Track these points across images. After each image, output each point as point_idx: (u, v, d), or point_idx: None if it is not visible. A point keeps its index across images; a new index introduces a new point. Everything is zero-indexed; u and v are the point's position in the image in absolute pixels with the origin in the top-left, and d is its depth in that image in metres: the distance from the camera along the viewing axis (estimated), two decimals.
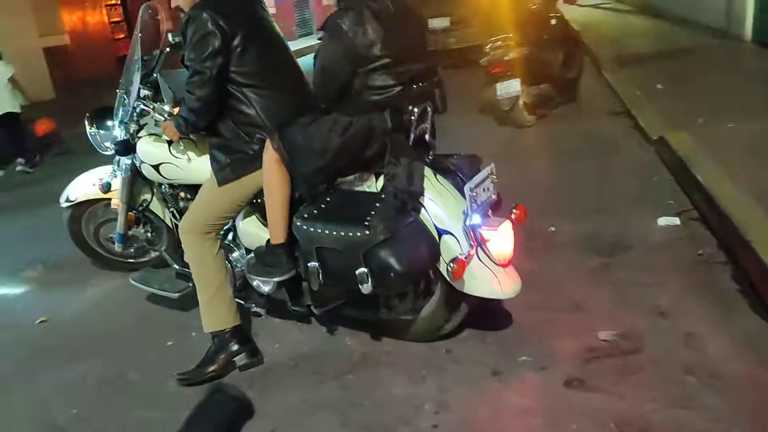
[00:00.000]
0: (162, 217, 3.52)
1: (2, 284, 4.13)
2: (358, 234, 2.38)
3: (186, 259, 2.86)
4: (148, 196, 3.47)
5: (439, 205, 2.55)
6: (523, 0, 6.63)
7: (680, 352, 2.52)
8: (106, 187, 3.45)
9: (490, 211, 2.63)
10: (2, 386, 2.85)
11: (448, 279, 2.49)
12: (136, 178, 3.34)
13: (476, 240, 2.51)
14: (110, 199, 3.58)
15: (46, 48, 11.76)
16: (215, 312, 2.76)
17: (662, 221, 3.69)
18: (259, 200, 2.78)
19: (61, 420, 2.58)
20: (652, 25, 11.06)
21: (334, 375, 2.69)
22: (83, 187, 3.75)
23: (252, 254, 2.90)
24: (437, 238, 2.52)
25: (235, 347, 2.77)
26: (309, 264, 2.55)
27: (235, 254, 3.03)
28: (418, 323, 2.78)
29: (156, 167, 3.11)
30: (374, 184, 2.66)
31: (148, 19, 3.18)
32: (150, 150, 3.13)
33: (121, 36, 14.29)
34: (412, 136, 2.59)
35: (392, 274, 2.36)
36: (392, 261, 2.36)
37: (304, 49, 17.81)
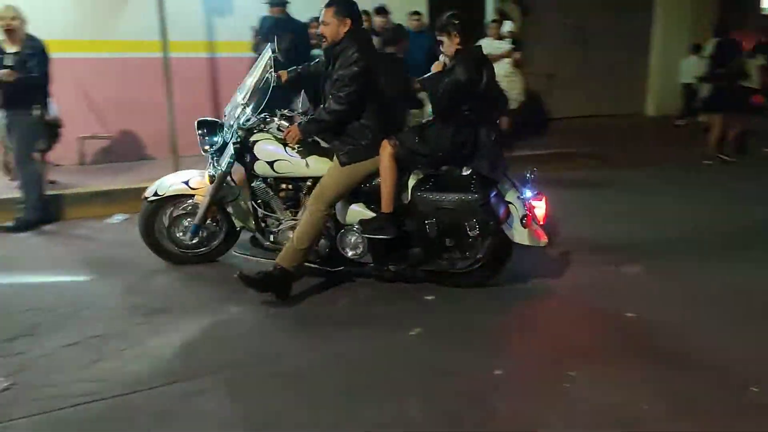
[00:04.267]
0: (232, 214, 4.35)
1: None
2: (470, 197, 3.74)
3: (303, 217, 3.90)
4: (229, 194, 4.26)
5: (504, 188, 3.96)
6: None
7: None
8: (213, 177, 4.14)
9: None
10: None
11: (521, 228, 3.85)
12: (226, 177, 4.15)
13: (528, 206, 3.88)
14: (192, 195, 4.33)
15: None
16: (293, 257, 3.84)
17: None
18: (365, 186, 3.95)
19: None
20: None
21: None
22: (172, 183, 4.39)
23: (356, 225, 4.00)
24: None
25: (282, 284, 3.85)
26: (427, 221, 3.80)
27: (330, 230, 4.08)
28: (475, 273, 4.00)
29: (271, 163, 4.04)
30: (463, 172, 3.87)
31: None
32: (268, 149, 4.06)
33: None
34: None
35: (491, 223, 3.78)
36: (491, 213, 3.76)
37: None
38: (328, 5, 3.81)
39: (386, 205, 3.85)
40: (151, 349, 3.36)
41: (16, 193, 5.57)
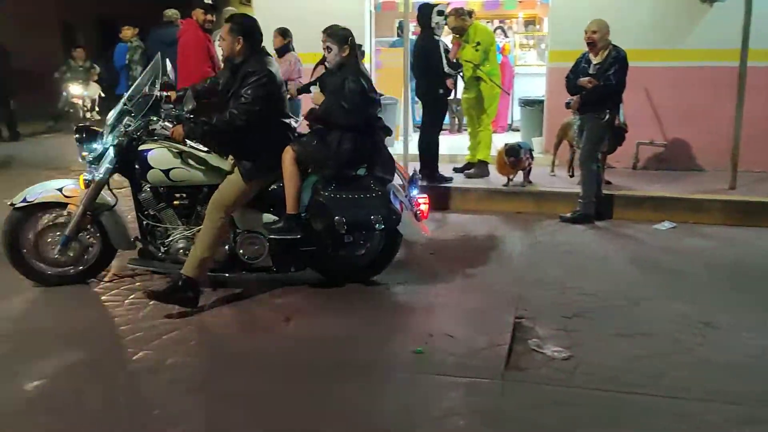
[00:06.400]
0: (104, 226, 4.18)
1: None
2: (373, 195, 4.08)
3: (204, 226, 3.93)
4: (106, 202, 4.15)
5: (395, 187, 4.33)
6: None
7: None
8: (88, 183, 4.04)
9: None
10: None
11: (415, 222, 4.33)
12: (104, 185, 4.08)
13: (415, 204, 4.35)
14: (65, 204, 4.12)
15: None
16: (197, 266, 3.88)
17: None
18: (265, 191, 4.08)
19: None
20: None
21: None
22: (43, 190, 4.17)
23: (259, 229, 4.13)
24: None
25: (190, 294, 3.88)
26: (335, 218, 3.97)
27: (230, 236, 4.14)
28: (368, 268, 4.41)
29: (166, 172, 4.02)
30: (361, 171, 4.20)
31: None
32: (163, 158, 4.04)
33: None
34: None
35: (394, 216, 4.10)
36: (393, 208, 4.12)
37: None
38: (226, 21, 4.06)
39: (291, 207, 4.03)
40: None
41: (576, 189, 6.10)
